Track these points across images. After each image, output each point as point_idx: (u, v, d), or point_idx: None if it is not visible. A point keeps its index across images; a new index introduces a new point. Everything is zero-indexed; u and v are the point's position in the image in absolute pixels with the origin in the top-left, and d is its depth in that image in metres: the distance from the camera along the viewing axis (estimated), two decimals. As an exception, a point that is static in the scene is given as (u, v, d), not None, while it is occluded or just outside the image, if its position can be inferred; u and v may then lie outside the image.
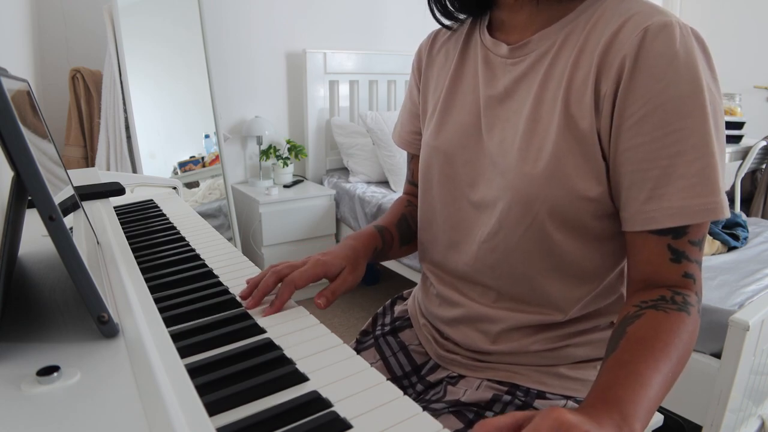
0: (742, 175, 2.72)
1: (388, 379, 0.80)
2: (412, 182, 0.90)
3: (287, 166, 2.63)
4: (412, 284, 2.11)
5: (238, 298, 0.67)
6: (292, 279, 0.67)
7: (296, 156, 2.67)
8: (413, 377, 0.81)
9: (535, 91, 0.63)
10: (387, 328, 0.87)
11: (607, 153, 0.59)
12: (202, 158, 2.32)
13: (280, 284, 0.69)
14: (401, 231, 0.85)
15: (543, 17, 0.65)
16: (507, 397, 0.68)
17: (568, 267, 0.65)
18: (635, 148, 0.56)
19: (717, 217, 0.54)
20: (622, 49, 0.55)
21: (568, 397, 0.69)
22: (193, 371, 0.50)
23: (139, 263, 0.69)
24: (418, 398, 0.76)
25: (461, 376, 0.74)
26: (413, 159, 0.88)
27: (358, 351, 0.86)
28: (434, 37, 0.81)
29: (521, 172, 0.62)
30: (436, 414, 0.68)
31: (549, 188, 0.60)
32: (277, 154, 2.61)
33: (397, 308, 0.91)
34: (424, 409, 0.69)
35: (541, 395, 0.68)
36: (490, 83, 0.68)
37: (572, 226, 0.63)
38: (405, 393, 0.78)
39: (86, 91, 2.06)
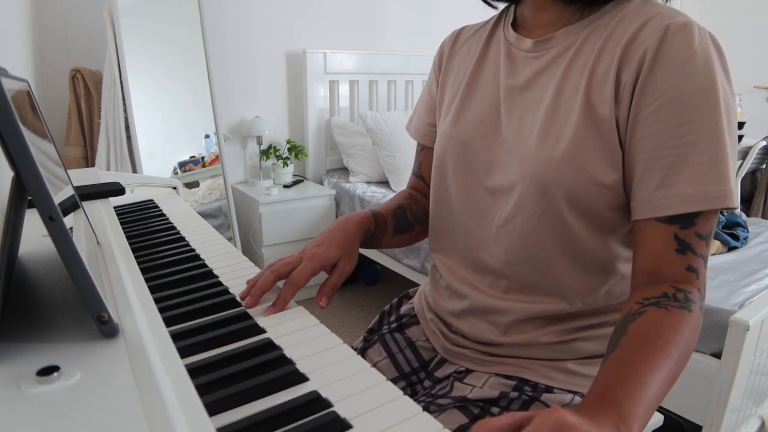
0: (742, 175, 2.73)
1: (395, 377, 0.81)
2: (417, 174, 0.91)
3: (287, 166, 2.63)
4: (413, 284, 2.11)
5: (238, 298, 0.67)
6: (295, 280, 0.67)
7: (296, 156, 2.67)
8: (421, 373, 0.81)
9: (557, 81, 0.65)
10: (393, 325, 0.88)
11: (624, 141, 0.61)
12: (202, 158, 2.32)
13: (279, 283, 0.69)
14: (397, 219, 0.86)
15: (567, 17, 0.67)
16: (514, 394, 0.68)
17: (581, 255, 0.66)
18: (650, 137, 0.58)
19: (725, 204, 0.55)
20: (644, 42, 0.58)
21: (574, 393, 0.69)
22: (193, 371, 0.50)
23: (139, 263, 0.69)
24: (425, 394, 0.77)
25: (469, 371, 0.74)
26: (423, 150, 0.89)
27: (365, 349, 0.87)
28: (457, 35, 0.83)
29: (539, 157, 0.63)
30: (441, 409, 0.69)
31: (566, 173, 0.62)
32: (277, 154, 2.61)
33: (404, 306, 0.92)
34: (430, 404, 0.70)
35: (549, 390, 0.69)
36: (511, 74, 0.70)
37: (587, 214, 0.64)
38: (413, 389, 0.80)
39: (86, 91, 2.06)
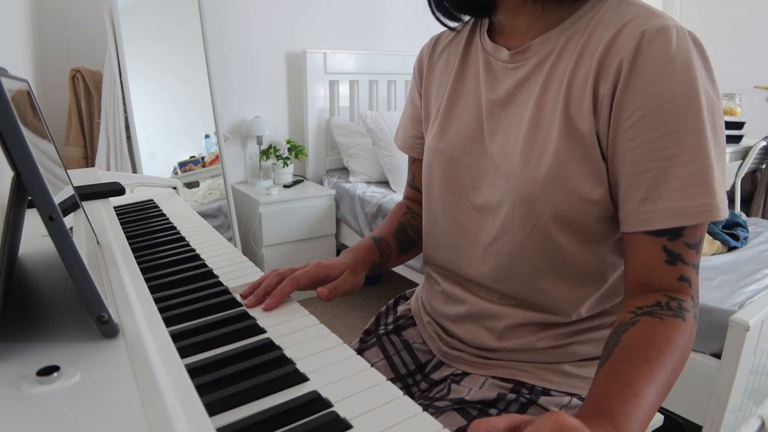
0: (742, 175, 2.72)
1: (391, 379, 0.81)
2: (412, 186, 0.91)
3: (287, 166, 2.63)
4: (413, 284, 2.11)
5: (238, 298, 0.67)
6: (295, 277, 0.69)
7: (296, 156, 2.67)
8: (417, 375, 0.81)
9: (537, 95, 0.63)
10: (390, 327, 0.88)
11: (606, 154, 0.60)
12: (202, 158, 2.32)
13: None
14: (399, 241, 0.85)
15: (542, 22, 0.65)
16: (512, 396, 0.68)
17: (571, 269, 0.65)
18: (632, 150, 0.57)
19: (712, 218, 0.54)
20: (620, 52, 0.56)
21: (572, 395, 0.69)
22: (193, 371, 0.50)
23: (139, 263, 0.69)
24: (422, 396, 0.76)
25: (465, 374, 0.74)
26: (414, 162, 0.88)
27: (362, 350, 0.86)
28: (435, 42, 0.81)
29: (524, 175, 0.62)
30: (439, 411, 0.69)
31: (552, 190, 0.61)
32: (277, 154, 2.61)
33: (401, 307, 0.91)
34: (428, 406, 0.70)
35: (546, 392, 0.69)
36: (491, 88, 0.69)
37: (575, 229, 0.63)
38: (409, 391, 0.80)
39: (86, 91, 2.06)
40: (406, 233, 0.86)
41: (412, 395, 0.79)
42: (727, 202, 0.56)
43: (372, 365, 0.82)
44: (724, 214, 0.55)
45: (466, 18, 0.76)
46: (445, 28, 0.79)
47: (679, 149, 0.54)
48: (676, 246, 0.57)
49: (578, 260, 0.65)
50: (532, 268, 0.66)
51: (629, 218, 0.58)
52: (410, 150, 0.87)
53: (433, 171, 0.75)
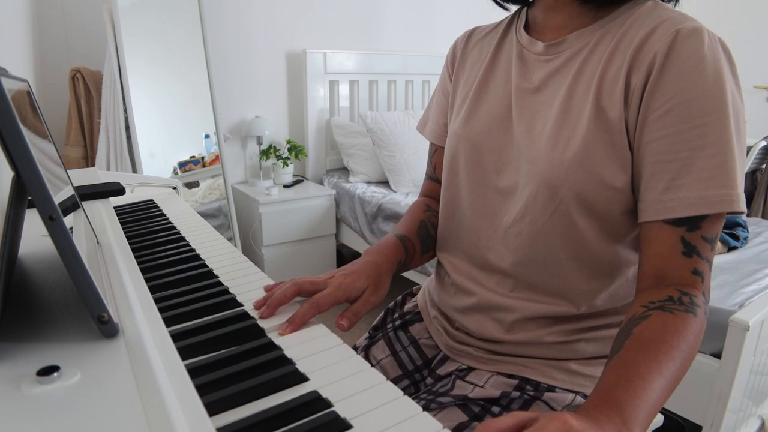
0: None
1: (398, 375, 0.81)
2: (433, 177, 0.90)
3: (287, 166, 2.63)
4: (413, 284, 2.11)
5: (249, 311, 0.64)
6: (318, 301, 0.63)
7: (296, 156, 2.67)
8: (424, 371, 0.82)
9: (568, 84, 0.65)
10: (397, 323, 0.88)
11: (633, 144, 0.61)
12: (202, 158, 2.32)
13: (297, 299, 0.66)
14: (422, 238, 0.84)
15: (579, 20, 0.68)
16: (515, 393, 0.69)
17: (588, 257, 0.66)
18: (658, 140, 0.58)
19: (732, 208, 0.56)
20: (654, 46, 0.59)
21: (576, 393, 0.70)
22: (193, 371, 0.50)
23: (139, 263, 0.69)
24: (426, 391, 0.77)
25: (471, 369, 0.74)
26: (437, 152, 0.88)
27: (369, 346, 0.87)
28: (470, 34, 0.84)
29: (550, 158, 0.64)
30: (442, 407, 0.69)
31: (576, 174, 0.62)
32: (277, 154, 2.61)
33: (408, 304, 0.92)
34: (431, 401, 0.70)
35: (551, 389, 0.69)
36: (523, 76, 0.71)
37: (597, 216, 0.64)
38: (417, 387, 0.80)
39: (86, 91, 2.06)
40: (428, 232, 0.85)
41: (419, 391, 0.80)
42: (744, 197, 0.57)
43: (379, 361, 0.85)
44: (743, 207, 0.56)
45: (513, 8, 0.78)
46: (480, 24, 0.82)
47: (705, 142, 0.56)
48: (693, 238, 0.58)
49: (595, 250, 0.66)
50: (551, 252, 0.67)
51: (650, 207, 0.60)
52: (439, 139, 0.86)
53: (457, 155, 0.76)
